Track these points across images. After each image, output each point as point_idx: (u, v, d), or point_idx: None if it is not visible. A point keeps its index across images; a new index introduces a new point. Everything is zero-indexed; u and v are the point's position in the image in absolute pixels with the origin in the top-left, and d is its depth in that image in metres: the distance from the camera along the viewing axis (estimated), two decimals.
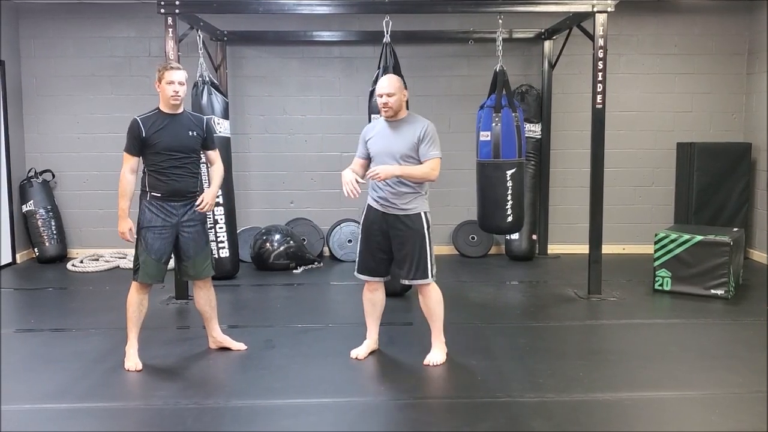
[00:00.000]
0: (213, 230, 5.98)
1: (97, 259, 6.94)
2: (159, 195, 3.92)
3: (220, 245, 6.06)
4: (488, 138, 5.37)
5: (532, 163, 6.97)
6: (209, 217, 5.89)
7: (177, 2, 5.19)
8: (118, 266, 6.72)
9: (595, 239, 5.44)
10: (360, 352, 4.15)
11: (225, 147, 6.05)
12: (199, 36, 5.91)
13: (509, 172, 5.38)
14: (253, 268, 6.65)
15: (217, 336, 4.29)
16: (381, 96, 3.89)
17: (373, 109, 5.25)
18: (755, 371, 3.88)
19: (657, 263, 5.62)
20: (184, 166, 3.96)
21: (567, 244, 7.25)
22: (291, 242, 6.60)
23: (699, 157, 6.86)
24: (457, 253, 7.21)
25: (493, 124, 5.36)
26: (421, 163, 3.86)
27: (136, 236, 3.98)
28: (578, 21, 5.80)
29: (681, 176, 7.13)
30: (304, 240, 6.90)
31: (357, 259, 4.11)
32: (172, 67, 3.92)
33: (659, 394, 3.59)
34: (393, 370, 4.01)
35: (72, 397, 3.59)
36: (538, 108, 6.96)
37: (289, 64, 7.16)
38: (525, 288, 5.99)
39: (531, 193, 6.97)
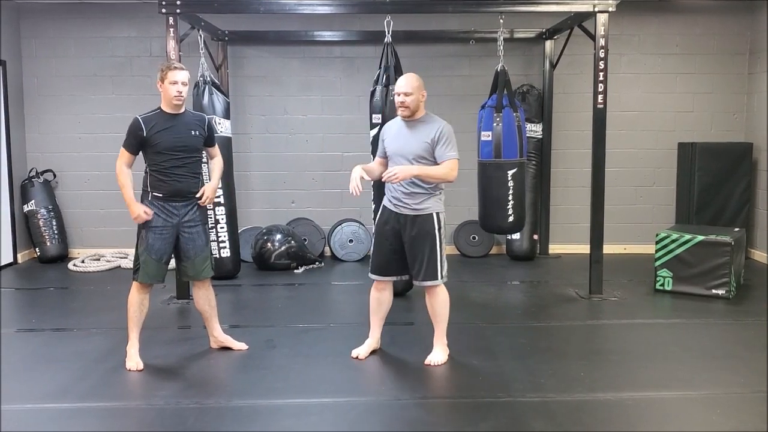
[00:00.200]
0: (214, 230, 5.98)
1: (98, 259, 6.95)
2: (161, 195, 3.92)
3: (221, 245, 6.06)
4: (489, 138, 5.36)
5: (534, 163, 6.97)
6: (210, 218, 5.90)
7: (178, 2, 5.19)
8: (120, 266, 6.73)
9: (597, 239, 5.44)
10: (361, 351, 4.15)
11: (226, 147, 6.05)
12: (200, 36, 5.91)
13: (510, 172, 5.37)
14: (255, 267, 6.66)
15: (218, 336, 4.29)
16: (398, 95, 3.87)
17: (374, 109, 5.26)
18: (756, 371, 3.88)
19: (658, 263, 5.62)
20: (186, 166, 3.97)
21: (568, 244, 7.25)
22: (292, 242, 6.60)
23: (700, 157, 6.85)
24: (458, 253, 7.21)
25: (495, 124, 5.36)
26: (437, 164, 3.84)
27: (137, 236, 3.98)
28: (579, 21, 5.80)
29: (682, 176, 7.12)
30: (305, 240, 6.90)
31: (371, 258, 4.12)
32: (175, 67, 3.91)
33: (660, 394, 3.59)
34: (394, 370, 4.01)
35: (73, 396, 3.59)
36: (539, 108, 6.96)
37: (290, 64, 7.16)
38: (526, 288, 5.99)
39: (532, 193, 6.96)
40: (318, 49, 7.16)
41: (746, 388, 3.67)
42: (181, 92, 3.90)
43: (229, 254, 6.12)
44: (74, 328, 4.78)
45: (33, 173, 7.02)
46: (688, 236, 5.50)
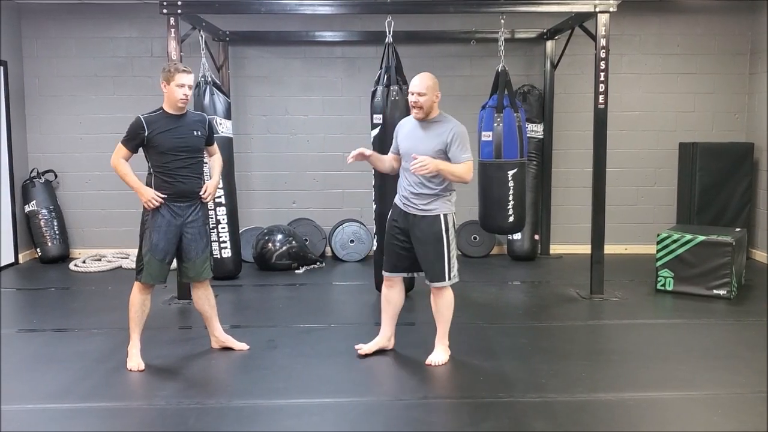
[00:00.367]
0: (215, 230, 5.98)
1: (100, 260, 6.95)
2: (165, 196, 3.92)
3: (223, 245, 6.06)
4: (490, 138, 5.37)
5: (535, 163, 6.97)
6: (211, 218, 5.90)
7: (179, 2, 5.20)
8: (121, 266, 6.73)
9: (598, 239, 5.44)
10: (365, 346, 4.16)
11: (227, 147, 6.06)
12: (202, 36, 5.91)
13: (511, 173, 5.38)
14: (256, 268, 6.66)
15: (219, 336, 4.29)
16: (412, 94, 3.85)
17: (375, 110, 5.26)
18: (758, 371, 3.88)
19: (659, 263, 5.62)
20: (189, 167, 3.97)
21: (569, 244, 7.25)
22: (293, 242, 6.61)
23: (701, 157, 6.85)
24: (460, 253, 7.20)
25: (495, 125, 5.36)
26: None
27: (140, 236, 3.98)
28: (580, 21, 5.80)
29: (683, 176, 7.12)
30: (306, 240, 6.90)
31: (384, 257, 4.14)
32: (183, 70, 3.91)
33: (662, 394, 3.59)
34: (395, 370, 4.02)
35: (74, 397, 3.59)
36: (540, 108, 6.96)
37: (292, 65, 7.16)
38: (527, 288, 5.99)
39: (533, 193, 6.97)
40: (319, 50, 7.16)
41: (747, 388, 3.66)
42: (187, 95, 3.91)
43: (230, 254, 6.12)
44: (75, 329, 4.79)
45: (34, 173, 7.03)
46: (689, 236, 5.49)
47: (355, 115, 7.04)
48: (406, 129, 4.00)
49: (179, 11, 5.23)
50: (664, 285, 5.60)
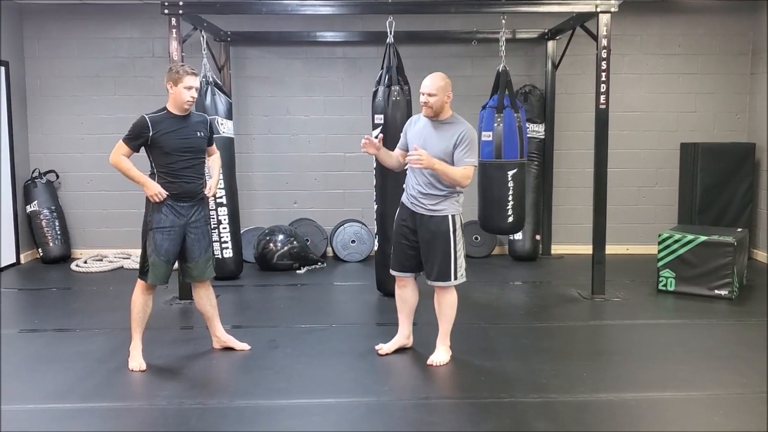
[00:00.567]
0: (216, 231, 5.99)
1: (101, 260, 6.96)
2: (169, 196, 3.92)
3: (224, 246, 6.07)
4: (490, 138, 5.37)
5: (536, 163, 6.97)
6: (212, 218, 5.91)
7: (180, 3, 5.21)
8: (122, 266, 6.74)
9: (599, 239, 5.44)
10: (384, 346, 4.19)
11: (228, 147, 6.07)
12: (203, 36, 5.92)
13: (511, 173, 5.38)
14: (257, 268, 6.66)
15: (221, 336, 4.29)
16: (422, 94, 3.84)
17: (376, 110, 5.26)
18: (759, 372, 3.88)
19: (661, 263, 5.62)
20: (193, 168, 3.98)
21: (570, 244, 7.25)
22: (294, 242, 6.61)
23: (702, 157, 6.85)
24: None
25: (495, 125, 5.36)
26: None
27: (142, 237, 3.98)
28: (582, 21, 5.79)
29: (684, 176, 7.11)
30: (307, 240, 6.90)
31: (391, 255, 4.14)
32: (192, 73, 3.91)
33: (663, 394, 3.59)
34: (396, 370, 4.02)
35: (76, 397, 3.60)
36: (541, 108, 6.96)
37: (293, 65, 7.16)
38: (528, 288, 5.99)
39: (534, 193, 6.97)
40: (320, 50, 7.16)
41: (749, 388, 3.66)
42: (194, 97, 3.92)
43: (231, 255, 6.13)
44: (77, 329, 4.79)
45: (36, 174, 7.04)
46: (690, 237, 5.49)
47: (356, 115, 7.04)
48: (417, 127, 3.99)
49: (181, 12, 5.24)
50: (665, 285, 5.60)
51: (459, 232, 3.94)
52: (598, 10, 5.25)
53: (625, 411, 3.40)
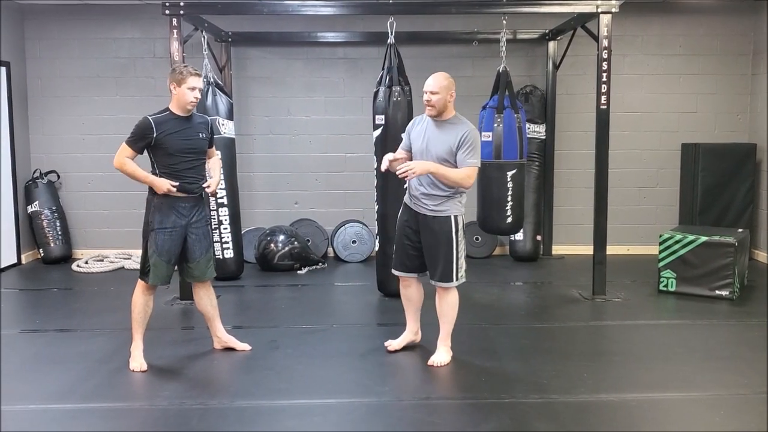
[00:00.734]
0: (218, 231, 5.99)
1: (102, 260, 6.96)
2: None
3: (225, 246, 6.07)
4: (490, 138, 5.38)
5: (537, 163, 6.97)
6: (213, 219, 5.91)
7: (181, 3, 5.21)
8: (123, 267, 6.74)
9: (600, 240, 5.44)
10: (393, 342, 4.22)
11: (229, 148, 6.08)
12: (204, 37, 5.92)
13: (510, 173, 5.38)
14: (258, 268, 6.67)
15: (222, 336, 4.29)
16: (425, 93, 3.84)
17: (377, 110, 5.26)
18: (760, 372, 3.88)
19: (661, 264, 5.62)
20: (195, 168, 3.99)
21: (571, 244, 7.25)
22: (295, 243, 6.61)
23: (703, 157, 6.85)
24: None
25: (495, 125, 5.37)
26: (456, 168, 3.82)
27: (145, 237, 3.97)
28: (582, 22, 5.80)
29: (685, 177, 7.11)
30: (308, 241, 6.91)
31: (393, 255, 4.15)
32: (196, 74, 3.91)
33: (664, 395, 3.59)
34: (397, 370, 4.02)
35: (77, 397, 3.60)
36: (542, 109, 6.96)
37: (294, 65, 7.16)
38: (529, 289, 5.99)
39: (535, 193, 6.97)
40: (321, 50, 7.16)
41: (750, 389, 3.66)
42: (198, 98, 3.92)
43: (232, 255, 6.13)
44: (78, 329, 4.79)
45: (37, 174, 7.04)
46: (691, 237, 5.49)
47: (357, 115, 7.04)
48: (420, 127, 3.98)
49: (182, 12, 5.24)
50: (666, 286, 5.60)
51: (461, 232, 3.94)
52: (599, 10, 5.25)
53: (626, 411, 3.40)
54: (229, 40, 6.84)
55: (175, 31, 5.25)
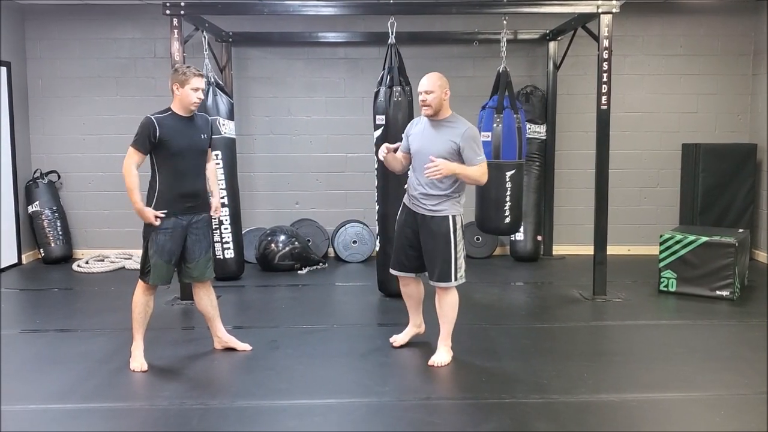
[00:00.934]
0: (218, 231, 5.99)
1: (103, 260, 6.96)
2: (165, 212, 3.90)
3: (225, 246, 6.07)
4: (489, 139, 5.38)
5: (537, 163, 6.97)
6: (213, 219, 5.89)
7: (182, 3, 5.21)
8: (124, 267, 6.74)
9: (600, 240, 5.44)
10: (398, 337, 4.27)
11: (230, 148, 6.08)
12: (204, 37, 5.92)
13: (509, 174, 5.38)
14: (258, 269, 6.67)
15: (222, 336, 4.29)
16: (420, 93, 3.86)
17: (378, 110, 5.26)
18: (760, 372, 3.88)
19: (662, 264, 5.62)
20: (196, 167, 3.99)
21: (572, 245, 7.25)
22: (296, 243, 6.61)
23: (704, 158, 6.85)
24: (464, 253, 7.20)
25: (494, 125, 5.37)
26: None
27: (143, 237, 3.98)
28: (583, 22, 5.80)
29: (686, 177, 7.11)
30: (309, 241, 6.91)
31: (392, 255, 4.17)
32: (199, 74, 3.91)
33: (664, 395, 3.59)
34: (397, 370, 4.02)
35: (77, 397, 3.60)
36: (543, 109, 6.96)
37: (294, 65, 7.17)
38: (530, 289, 5.99)
39: (536, 194, 6.97)
40: (322, 51, 7.17)
41: (750, 389, 3.66)
42: (201, 99, 3.92)
43: (232, 255, 6.13)
44: (78, 329, 4.79)
45: (37, 174, 7.04)
46: (692, 237, 5.49)
47: (357, 116, 7.04)
48: (418, 128, 4.00)
49: (182, 12, 5.25)
50: (666, 286, 5.60)
51: (459, 232, 3.95)
52: (600, 11, 5.25)
53: (627, 412, 3.40)
54: (230, 40, 6.84)
55: (175, 31, 5.25)
